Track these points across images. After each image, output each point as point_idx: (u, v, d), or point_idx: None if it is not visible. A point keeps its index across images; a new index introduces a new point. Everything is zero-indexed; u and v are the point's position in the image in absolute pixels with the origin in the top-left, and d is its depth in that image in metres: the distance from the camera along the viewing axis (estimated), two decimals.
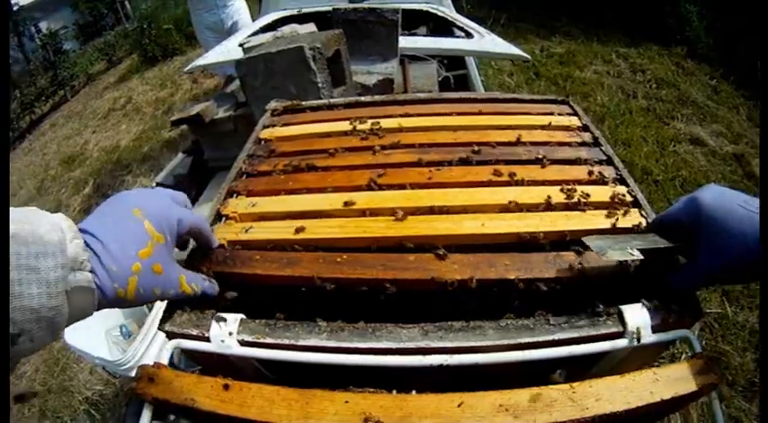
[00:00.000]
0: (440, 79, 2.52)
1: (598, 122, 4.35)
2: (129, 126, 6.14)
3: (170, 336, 0.76)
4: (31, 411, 2.80)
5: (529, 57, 2.65)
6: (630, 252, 0.73)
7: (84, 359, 2.87)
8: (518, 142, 1.07)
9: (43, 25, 11.05)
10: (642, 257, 0.73)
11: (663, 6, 6.02)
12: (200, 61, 2.66)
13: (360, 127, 1.15)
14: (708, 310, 2.67)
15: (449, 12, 3.01)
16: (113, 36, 10.49)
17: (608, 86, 5.10)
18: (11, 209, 0.52)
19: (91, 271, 0.56)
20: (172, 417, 1.89)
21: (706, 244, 0.68)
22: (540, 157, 1.02)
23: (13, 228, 0.50)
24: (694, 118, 4.48)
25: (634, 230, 0.84)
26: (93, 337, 2.12)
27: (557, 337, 0.70)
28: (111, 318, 2.27)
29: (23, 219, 0.52)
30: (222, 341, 0.72)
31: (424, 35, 2.94)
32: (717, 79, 5.09)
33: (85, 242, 0.58)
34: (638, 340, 0.69)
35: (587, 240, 0.76)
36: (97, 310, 0.60)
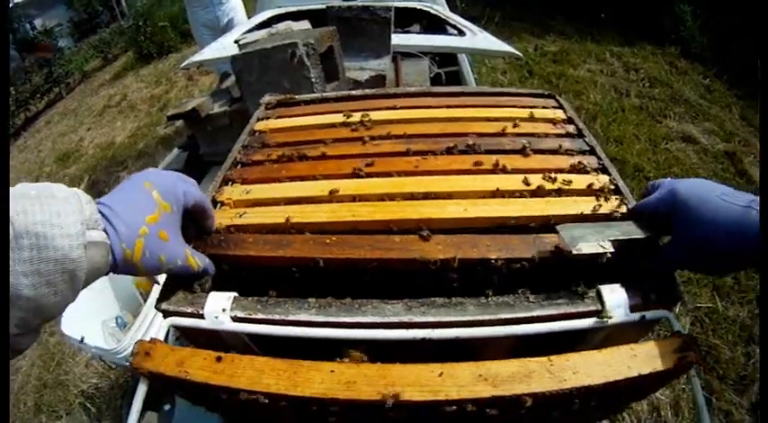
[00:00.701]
0: (431, 76, 2.55)
1: (590, 120, 4.39)
2: (124, 123, 6.15)
3: (166, 314, 0.80)
4: (27, 406, 2.81)
5: (521, 54, 2.69)
6: (602, 245, 0.75)
7: (79, 353, 2.89)
8: (503, 133, 1.10)
9: (38, 22, 10.99)
10: (613, 250, 0.75)
11: (657, 6, 6.06)
12: (197, 58, 2.68)
13: (350, 119, 1.18)
14: (698, 305, 2.71)
15: (442, 10, 3.04)
16: (108, 33, 10.45)
17: (601, 85, 5.13)
18: (26, 184, 0.57)
19: (104, 230, 0.61)
20: (167, 407, 1.92)
21: (678, 231, 0.71)
22: (523, 147, 1.05)
23: (33, 193, 0.55)
24: (687, 116, 4.52)
25: (613, 217, 0.87)
26: (90, 327, 2.14)
27: (535, 313, 0.73)
28: (106, 309, 2.29)
29: (42, 187, 0.57)
30: (216, 317, 0.76)
31: (417, 33, 2.97)
32: (710, 78, 5.13)
33: (98, 210, 0.62)
34: (607, 319, 0.72)
35: (561, 229, 0.78)
36: (106, 273, 0.64)
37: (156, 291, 1.96)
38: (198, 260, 0.77)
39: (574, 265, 0.78)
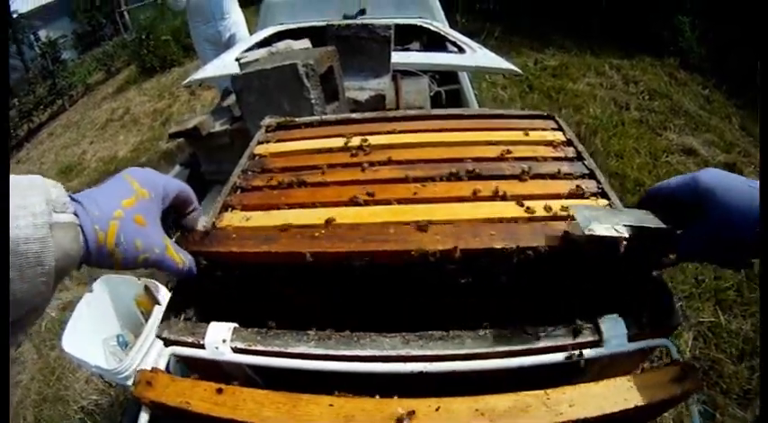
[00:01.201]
0: (431, 94, 2.56)
1: (591, 135, 4.40)
2: (126, 137, 6.19)
3: (167, 343, 0.80)
4: (27, 421, 2.81)
5: (520, 71, 2.71)
6: (617, 229, 0.72)
7: (80, 368, 2.89)
8: (502, 158, 1.11)
9: (42, 34, 11.08)
10: (627, 236, 0.72)
11: (656, 17, 6.11)
12: (198, 75, 2.71)
13: (350, 143, 1.18)
14: (701, 320, 2.70)
15: (441, 26, 3.06)
16: (112, 46, 10.55)
17: (601, 98, 5.15)
18: None
19: (74, 214, 0.59)
20: None
21: (699, 218, 0.68)
22: (522, 171, 1.05)
23: None
24: (687, 128, 4.53)
25: None
26: (91, 345, 2.15)
27: (532, 346, 0.74)
28: (107, 327, 2.30)
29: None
30: (216, 348, 0.76)
31: (417, 50, 2.99)
32: (709, 89, 5.16)
33: (71, 197, 0.61)
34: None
35: (575, 209, 0.77)
36: (80, 266, 0.61)
37: (157, 311, 1.97)
38: (182, 256, 0.75)
39: (583, 256, 0.77)
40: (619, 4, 6.76)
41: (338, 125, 1.31)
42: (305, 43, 2.08)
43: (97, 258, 0.62)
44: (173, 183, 0.75)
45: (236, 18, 4.49)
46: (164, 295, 2.11)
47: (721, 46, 5.52)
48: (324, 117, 1.36)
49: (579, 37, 6.79)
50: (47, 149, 6.91)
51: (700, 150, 4.17)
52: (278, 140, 1.27)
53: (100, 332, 2.28)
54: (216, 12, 4.35)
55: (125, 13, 10.91)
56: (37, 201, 0.54)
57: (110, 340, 2.29)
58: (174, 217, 0.82)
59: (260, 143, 1.27)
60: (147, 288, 2.20)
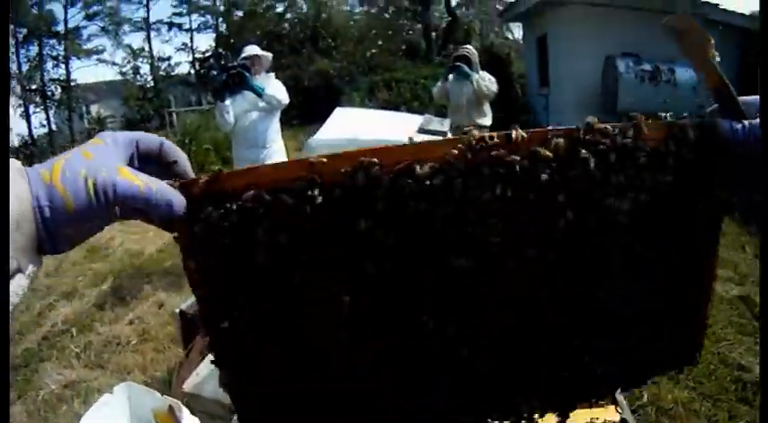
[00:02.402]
0: None
1: None
2: (156, 233, 6.21)
3: None
4: None
5: None
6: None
7: None
8: None
9: (94, 108, 11.58)
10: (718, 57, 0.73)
11: None
12: None
13: None
14: None
15: None
16: None
17: None
18: None
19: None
20: None
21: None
22: None
23: None
24: None
25: None
26: None
27: None
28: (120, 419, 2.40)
29: None
30: None
31: None
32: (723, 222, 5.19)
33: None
34: None
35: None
36: (42, 222, 0.52)
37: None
38: (147, 180, 0.58)
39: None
40: None
41: None
42: None
43: (48, 202, 0.52)
44: (133, 132, 0.65)
45: (277, 147, 4.70)
46: (187, 419, 2.21)
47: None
48: None
49: None
50: None
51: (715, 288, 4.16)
52: None
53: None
54: (260, 139, 4.56)
55: (174, 114, 11.43)
56: None
57: None
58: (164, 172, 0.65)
59: None
60: (171, 408, 2.30)
